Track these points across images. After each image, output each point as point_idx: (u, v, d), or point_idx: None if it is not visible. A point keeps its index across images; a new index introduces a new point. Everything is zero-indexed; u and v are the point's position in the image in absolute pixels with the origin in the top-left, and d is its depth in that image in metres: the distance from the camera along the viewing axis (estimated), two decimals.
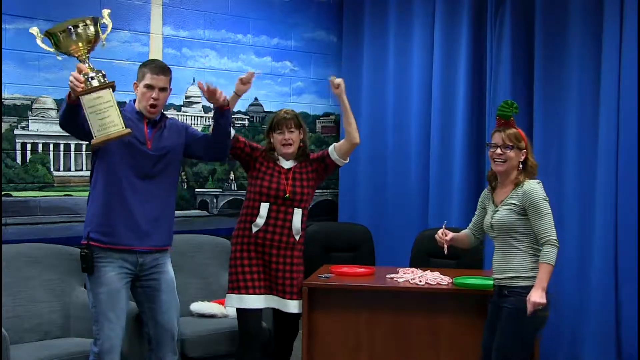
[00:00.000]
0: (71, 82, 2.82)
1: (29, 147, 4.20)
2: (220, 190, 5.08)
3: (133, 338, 3.50)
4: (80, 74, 2.85)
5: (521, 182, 3.14)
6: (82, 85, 2.83)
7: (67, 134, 4.26)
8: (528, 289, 3.04)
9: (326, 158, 3.67)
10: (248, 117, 5.20)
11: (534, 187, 3.11)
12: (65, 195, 4.29)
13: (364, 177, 5.47)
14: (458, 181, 4.93)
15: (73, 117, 2.94)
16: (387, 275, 3.85)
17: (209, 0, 4.96)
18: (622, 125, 4.12)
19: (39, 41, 2.91)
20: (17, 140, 4.15)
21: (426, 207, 5.06)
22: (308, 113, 5.49)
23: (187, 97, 4.87)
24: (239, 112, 5.14)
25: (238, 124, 5.14)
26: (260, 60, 5.25)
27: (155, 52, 4.64)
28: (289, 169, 3.62)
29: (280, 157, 3.64)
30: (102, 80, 2.88)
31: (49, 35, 2.92)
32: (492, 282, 3.31)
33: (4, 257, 3.64)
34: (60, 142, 4.31)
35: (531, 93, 4.59)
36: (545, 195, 3.11)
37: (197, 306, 4.17)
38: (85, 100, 2.84)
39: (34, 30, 2.91)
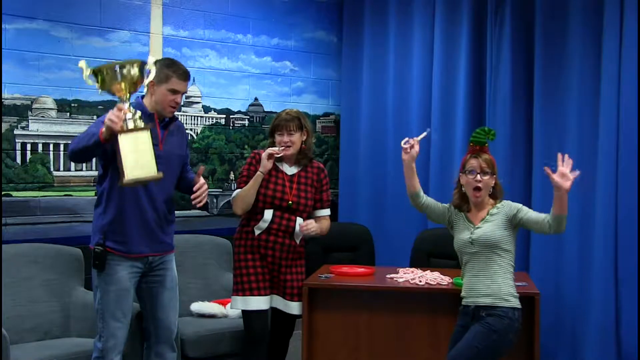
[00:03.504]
0: (110, 119, 2.82)
1: (29, 147, 4.20)
2: (220, 190, 5.08)
3: (134, 336, 3.50)
4: (119, 112, 2.84)
5: (495, 202, 3.18)
6: (121, 123, 2.83)
7: (67, 134, 4.31)
8: (506, 311, 3.04)
9: (316, 202, 3.67)
10: (248, 117, 5.20)
11: (509, 202, 3.18)
12: (65, 195, 4.29)
13: (364, 177, 5.47)
14: None
15: (94, 153, 3.01)
16: (387, 275, 3.85)
17: (209, 0, 4.96)
18: (622, 125, 4.13)
19: (85, 75, 2.90)
20: (17, 140, 4.15)
21: None
22: (308, 113, 5.48)
23: (187, 97, 4.86)
24: (239, 112, 5.15)
25: (238, 124, 5.15)
26: (260, 60, 5.25)
27: (155, 52, 4.64)
28: (293, 175, 3.61)
29: (283, 162, 3.61)
30: (139, 122, 2.89)
31: (95, 72, 2.92)
32: None
33: (4, 257, 3.63)
34: (60, 142, 4.31)
35: (531, 93, 4.59)
36: None
37: (197, 306, 4.17)
38: (123, 139, 2.83)
39: (82, 64, 2.91)
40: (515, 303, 3.08)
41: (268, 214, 3.52)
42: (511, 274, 3.12)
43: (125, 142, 2.83)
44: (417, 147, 3.27)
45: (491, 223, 3.13)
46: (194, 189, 3.23)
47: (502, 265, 3.10)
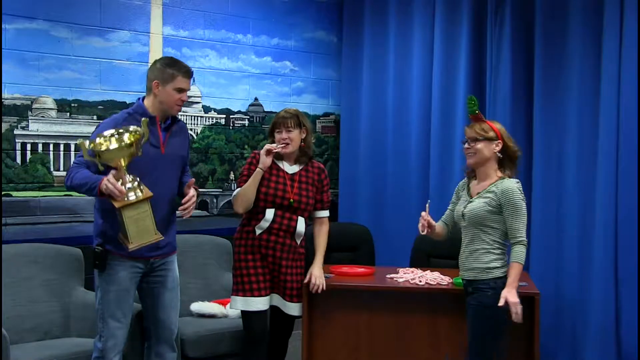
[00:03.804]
0: (111, 190, 2.90)
1: (29, 147, 4.20)
2: (220, 190, 5.08)
3: (134, 336, 3.50)
4: (117, 181, 2.92)
5: (502, 176, 3.18)
6: (123, 196, 2.92)
7: (67, 134, 4.31)
8: (488, 283, 3.10)
9: (316, 203, 3.67)
10: (248, 117, 5.20)
11: (513, 186, 3.13)
12: (65, 195, 4.29)
13: (364, 177, 5.47)
14: (458, 181, 4.90)
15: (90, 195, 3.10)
16: (387, 275, 3.85)
17: (209, 0, 4.96)
18: (622, 125, 4.12)
19: (85, 152, 2.95)
20: (17, 140, 4.15)
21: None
22: (308, 113, 5.48)
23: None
24: (239, 112, 5.15)
25: (238, 124, 5.15)
26: (260, 60, 5.25)
27: (155, 52, 4.64)
28: (294, 174, 3.61)
29: (284, 161, 3.62)
30: (139, 193, 2.97)
31: (94, 151, 2.97)
32: None
33: (4, 257, 3.64)
34: (60, 142, 4.31)
35: (531, 93, 4.59)
36: (523, 195, 3.14)
37: (197, 306, 4.17)
38: (126, 211, 2.94)
39: (83, 144, 2.95)
40: (499, 272, 3.11)
41: (269, 213, 3.52)
42: (498, 249, 3.15)
43: (129, 214, 2.95)
44: (433, 222, 3.34)
45: (483, 200, 3.16)
46: (182, 201, 3.21)
47: (487, 241, 3.15)
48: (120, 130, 2.99)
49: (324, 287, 3.57)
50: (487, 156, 3.18)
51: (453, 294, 3.58)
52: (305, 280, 3.58)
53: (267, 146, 3.51)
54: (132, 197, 2.94)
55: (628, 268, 4.09)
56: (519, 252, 3.08)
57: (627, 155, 4.10)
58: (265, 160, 3.49)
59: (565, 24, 4.41)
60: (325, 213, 3.71)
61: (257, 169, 3.50)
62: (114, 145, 2.93)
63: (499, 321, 3.08)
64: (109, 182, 2.90)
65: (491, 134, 3.17)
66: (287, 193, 3.54)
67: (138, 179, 3.00)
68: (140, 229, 3.00)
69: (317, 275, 3.58)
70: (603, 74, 4.20)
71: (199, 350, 3.87)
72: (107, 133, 2.98)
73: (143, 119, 3.05)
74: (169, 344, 3.37)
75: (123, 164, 2.96)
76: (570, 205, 4.37)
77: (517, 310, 3.03)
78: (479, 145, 3.17)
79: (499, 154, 3.19)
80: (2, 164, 4.07)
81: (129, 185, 2.95)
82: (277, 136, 3.57)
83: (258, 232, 3.53)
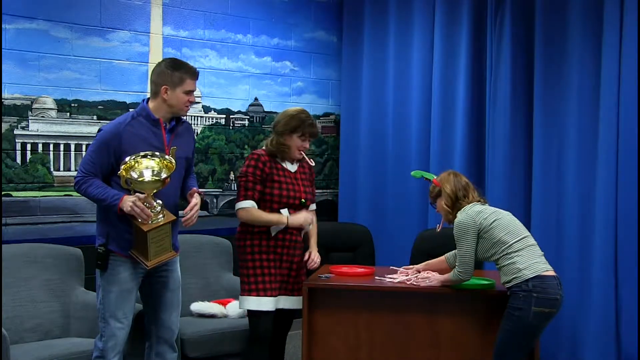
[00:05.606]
0: (137, 214, 2.99)
1: (29, 147, 4.20)
2: (220, 190, 5.08)
3: (135, 336, 3.50)
4: (143, 204, 3.01)
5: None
6: (149, 219, 3.02)
7: (67, 134, 4.31)
8: (519, 285, 3.12)
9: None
10: (248, 117, 5.20)
11: (459, 217, 3.25)
12: (65, 195, 4.29)
13: (364, 177, 5.47)
14: None
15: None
16: (387, 275, 3.84)
17: (209, 0, 4.96)
18: (622, 125, 4.12)
19: (124, 182, 3.03)
20: (17, 140, 4.15)
21: (426, 207, 5.05)
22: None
23: None
24: (239, 112, 5.15)
25: (238, 124, 5.15)
26: (260, 60, 5.25)
27: (155, 52, 4.64)
28: (295, 172, 3.65)
29: (286, 160, 3.62)
30: (161, 217, 3.07)
31: (126, 180, 3.04)
32: (491, 282, 3.42)
33: (4, 257, 3.64)
34: (60, 142, 4.31)
35: (531, 93, 4.59)
36: (468, 221, 3.20)
37: (197, 306, 4.18)
38: (150, 234, 3.03)
39: (123, 175, 3.01)
40: (526, 274, 3.13)
41: (285, 212, 3.56)
42: (507, 260, 3.17)
43: (152, 236, 3.04)
44: (417, 267, 3.67)
45: None
46: (184, 212, 3.23)
47: (498, 259, 3.20)
48: (156, 157, 3.06)
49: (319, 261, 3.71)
50: (447, 209, 3.33)
51: (453, 294, 3.58)
52: (305, 258, 3.66)
53: (304, 220, 3.57)
54: (157, 220, 3.04)
55: (628, 268, 4.09)
56: (454, 273, 3.26)
57: (627, 156, 4.10)
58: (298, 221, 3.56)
59: (565, 24, 4.41)
60: (313, 207, 3.77)
61: (284, 220, 3.51)
62: (148, 177, 3.01)
63: (525, 324, 3.10)
64: (136, 205, 2.98)
65: (435, 190, 3.36)
66: (298, 192, 3.59)
67: (161, 202, 3.08)
68: (160, 248, 3.10)
69: (315, 254, 3.70)
70: (603, 73, 4.20)
71: (199, 350, 3.87)
72: (144, 163, 3.03)
73: (173, 147, 3.13)
74: (169, 344, 3.38)
75: (151, 190, 3.06)
76: (570, 205, 4.37)
77: (417, 281, 3.43)
78: (437, 206, 3.38)
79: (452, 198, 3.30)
80: (2, 164, 4.07)
81: (154, 209, 3.05)
82: (299, 142, 3.56)
83: (274, 232, 3.54)
